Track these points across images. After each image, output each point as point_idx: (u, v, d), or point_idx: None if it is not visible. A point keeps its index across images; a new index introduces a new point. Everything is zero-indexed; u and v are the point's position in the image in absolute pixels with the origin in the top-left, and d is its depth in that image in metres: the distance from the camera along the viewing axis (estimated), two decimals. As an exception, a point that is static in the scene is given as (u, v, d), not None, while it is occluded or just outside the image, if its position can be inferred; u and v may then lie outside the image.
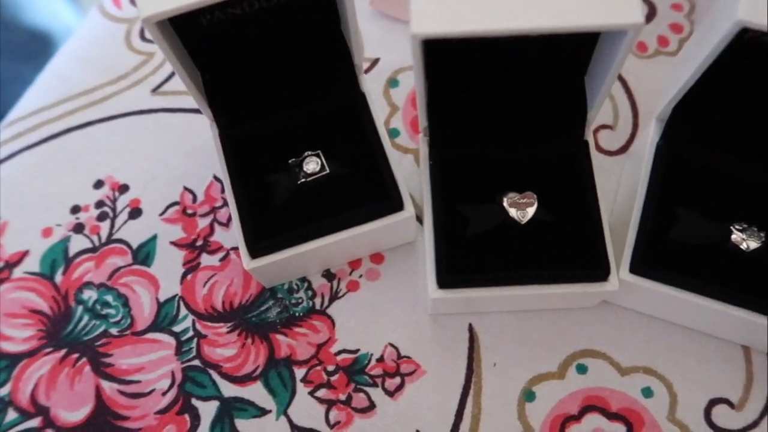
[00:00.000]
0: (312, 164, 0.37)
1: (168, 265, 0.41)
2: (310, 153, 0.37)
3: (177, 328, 0.39)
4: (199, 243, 0.41)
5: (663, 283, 0.33)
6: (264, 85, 0.38)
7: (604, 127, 0.43)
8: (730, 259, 0.34)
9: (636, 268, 0.33)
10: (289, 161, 0.37)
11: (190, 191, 0.43)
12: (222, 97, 0.37)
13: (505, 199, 0.35)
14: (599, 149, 0.42)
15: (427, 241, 0.35)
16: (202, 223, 0.42)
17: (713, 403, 0.36)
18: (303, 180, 0.37)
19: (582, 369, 0.37)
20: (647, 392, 0.36)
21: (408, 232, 0.39)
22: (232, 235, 0.41)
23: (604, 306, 0.38)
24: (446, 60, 0.34)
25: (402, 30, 0.47)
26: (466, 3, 0.28)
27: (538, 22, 0.27)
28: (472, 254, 0.35)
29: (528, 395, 0.36)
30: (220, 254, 0.41)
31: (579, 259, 0.34)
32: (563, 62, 0.35)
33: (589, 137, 0.37)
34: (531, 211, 0.35)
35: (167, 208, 0.42)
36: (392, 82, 0.45)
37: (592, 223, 0.34)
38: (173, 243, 0.41)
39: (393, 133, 0.44)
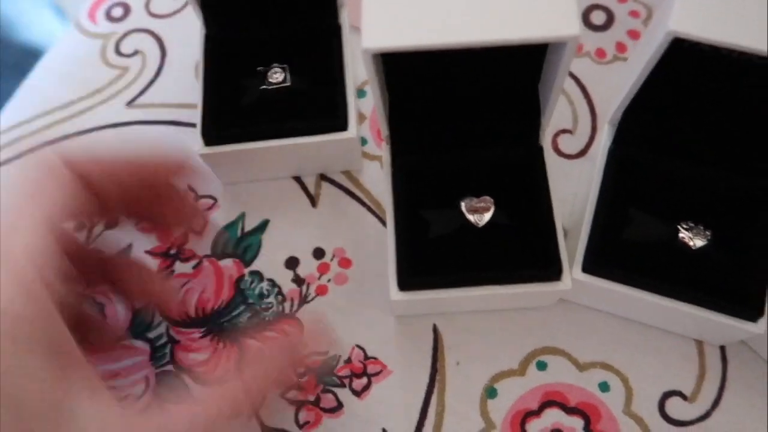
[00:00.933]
0: (277, 75, 0.41)
1: (143, 273, 0.42)
2: (277, 65, 0.41)
3: (151, 335, 0.40)
4: (173, 251, 0.43)
5: (614, 281, 0.35)
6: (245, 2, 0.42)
7: (564, 131, 0.45)
8: (679, 257, 0.35)
9: (588, 267, 0.35)
10: (257, 69, 0.42)
11: (164, 201, 0.44)
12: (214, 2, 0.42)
13: (462, 204, 0.37)
14: (559, 153, 0.44)
15: (389, 245, 0.36)
16: (177, 231, 0.43)
17: (667, 395, 0.37)
18: (265, 87, 0.41)
19: (542, 366, 0.38)
20: (604, 387, 0.37)
21: (352, 157, 0.43)
22: (206, 244, 0.43)
23: (563, 304, 0.39)
24: (404, 71, 0.36)
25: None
26: (416, 17, 0.29)
27: (482, 35, 0.29)
28: (431, 257, 0.36)
29: (490, 392, 0.38)
30: (194, 262, 0.42)
31: (533, 259, 0.35)
32: (516, 71, 0.36)
33: (546, 142, 0.38)
34: (488, 215, 0.37)
35: (142, 218, 0.44)
36: (360, 93, 0.47)
37: (546, 225, 0.36)
38: (148, 252, 0.43)
39: (362, 142, 0.45)
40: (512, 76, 0.36)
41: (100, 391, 0.25)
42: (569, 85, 0.46)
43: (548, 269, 0.34)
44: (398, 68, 0.35)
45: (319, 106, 0.41)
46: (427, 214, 0.38)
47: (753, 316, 0.33)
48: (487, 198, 0.37)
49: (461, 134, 0.38)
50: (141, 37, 0.50)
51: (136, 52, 0.50)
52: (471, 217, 0.36)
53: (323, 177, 0.44)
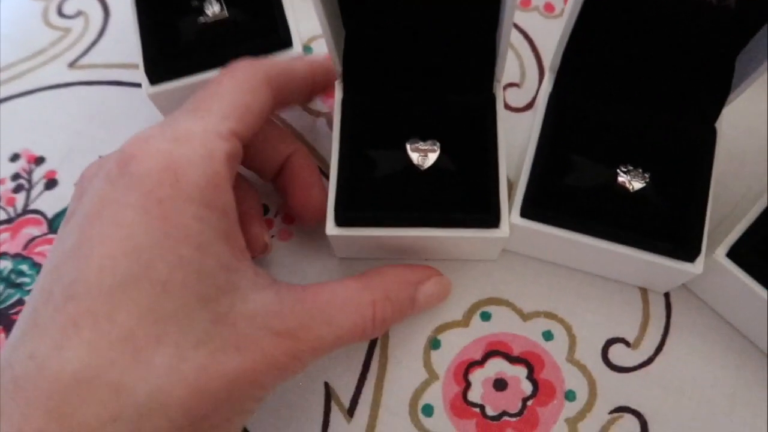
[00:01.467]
0: (214, 7, 0.41)
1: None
2: None
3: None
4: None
5: (552, 225, 0.34)
6: None
7: (511, 84, 0.44)
8: (617, 200, 0.35)
9: (526, 212, 0.34)
10: (192, 4, 0.41)
11: (105, 161, 0.43)
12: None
13: (408, 145, 0.36)
14: (507, 107, 0.43)
15: (331, 181, 0.35)
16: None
17: (610, 342, 0.37)
18: (204, 21, 0.41)
19: (486, 316, 0.38)
20: (548, 335, 0.37)
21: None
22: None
23: (507, 255, 0.39)
24: (361, 6, 0.35)
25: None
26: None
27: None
28: (371, 196, 0.36)
29: (434, 343, 0.37)
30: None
31: (472, 204, 0.35)
32: (473, 18, 0.36)
33: (499, 92, 0.38)
34: (432, 157, 0.36)
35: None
36: (306, 49, 0.46)
37: (489, 172, 0.35)
38: (88, 212, 0.42)
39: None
40: (469, 23, 0.36)
41: (263, 276, 0.27)
42: (517, 39, 0.46)
43: (486, 214, 0.34)
44: (356, 3, 0.35)
45: (262, 33, 0.40)
46: (374, 153, 0.37)
47: (690, 256, 0.33)
48: (434, 141, 0.36)
49: (415, 77, 0.37)
50: (84, -1, 0.49)
51: (79, 13, 0.49)
52: (415, 159, 0.36)
53: (268, 134, 0.44)
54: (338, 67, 0.37)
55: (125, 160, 0.25)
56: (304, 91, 0.35)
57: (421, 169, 0.36)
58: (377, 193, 0.36)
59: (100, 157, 0.43)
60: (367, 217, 0.34)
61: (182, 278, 0.24)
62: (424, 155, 0.36)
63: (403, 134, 0.37)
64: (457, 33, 0.37)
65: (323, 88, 0.37)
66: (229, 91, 0.28)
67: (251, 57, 0.37)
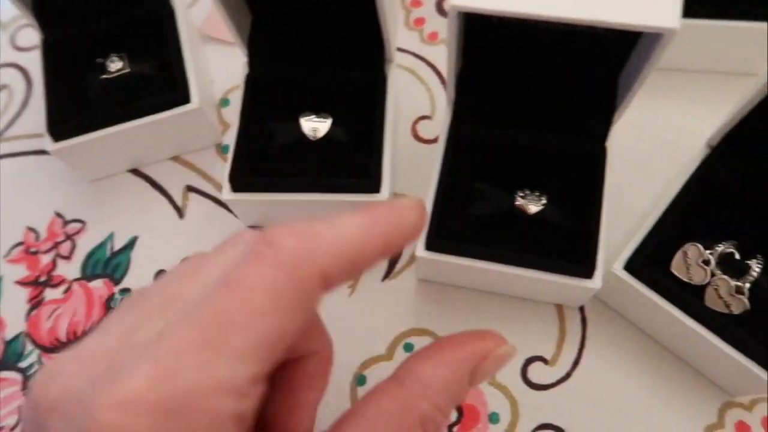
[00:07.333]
0: (117, 63, 0.42)
1: (13, 304, 0.42)
2: (114, 54, 0.43)
3: (23, 364, 0.40)
4: (43, 279, 0.42)
5: (457, 256, 0.35)
6: None
7: (423, 117, 0.46)
8: (517, 225, 0.36)
9: (431, 245, 0.35)
10: (96, 60, 0.43)
11: (32, 230, 0.44)
12: (47, 4, 0.43)
13: (301, 119, 0.39)
14: (419, 139, 0.45)
15: (230, 152, 0.39)
16: (46, 259, 0.43)
17: (529, 362, 0.38)
18: (106, 78, 0.42)
19: (408, 347, 0.39)
20: (469, 361, 0.38)
21: (204, 132, 0.44)
22: (74, 267, 0.43)
23: (425, 285, 0.40)
24: None
25: (230, 52, 0.49)
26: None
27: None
28: (266, 164, 0.39)
29: (359, 380, 0.38)
30: (64, 287, 0.42)
31: (356, 172, 0.38)
32: (358, 2, 0.38)
33: (391, 72, 0.41)
34: (324, 129, 0.39)
35: (11, 249, 0.44)
36: (224, 102, 0.47)
37: (374, 144, 0.38)
38: (18, 282, 0.42)
39: (224, 150, 0.46)
40: (356, 5, 0.38)
41: None
42: (426, 72, 0.47)
43: (368, 179, 0.37)
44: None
45: (161, 85, 0.42)
46: (272, 125, 0.40)
47: (588, 272, 0.34)
48: (325, 114, 0.40)
49: (314, 55, 0.41)
50: (7, 72, 0.50)
51: (2, 87, 0.50)
52: (307, 130, 0.39)
53: (189, 188, 0.45)
54: (244, 48, 0.41)
55: None
56: (372, 264, 0.20)
57: (313, 140, 0.39)
58: (272, 161, 0.39)
59: (27, 227, 0.44)
60: (257, 181, 0.38)
61: None
62: (315, 127, 0.39)
63: (299, 108, 0.40)
64: (349, 15, 0.40)
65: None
66: (261, 308, 0.17)
67: (148, 113, 0.41)
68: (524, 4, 0.27)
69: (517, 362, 0.38)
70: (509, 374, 0.37)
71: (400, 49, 0.48)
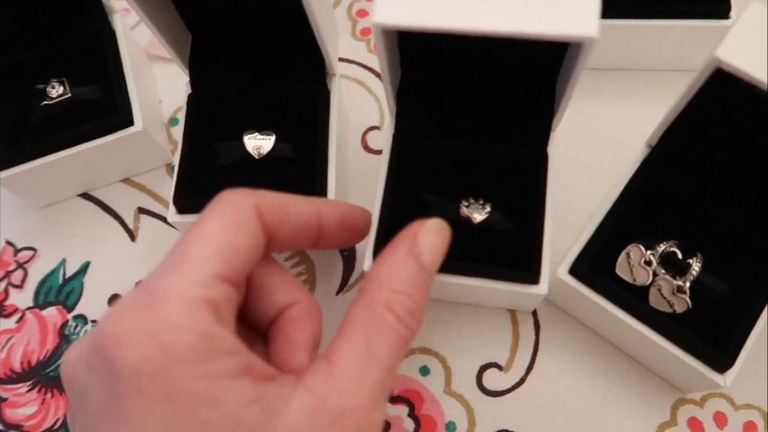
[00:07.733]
0: (58, 89, 0.42)
1: (-34, 336, 0.41)
2: (54, 80, 0.42)
3: (-23, 397, 0.40)
4: (-5, 309, 0.42)
5: (404, 268, 0.35)
6: (15, 21, 0.43)
7: (372, 128, 0.46)
8: (464, 234, 0.36)
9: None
10: (37, 86, 0.42)
11: (-17, 260, 0.44)
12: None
13: (245, 137, 0.39)
14: (369, 150, 0.45)
15: (175, 173, 0.39)
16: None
17: (483, 369, 0.38)
18: (47, 103, 0.42)
19: (364, 361, 0.39)
20: (424, 370, 0.38)
21: (152, 154, 0.44)
22: (27, 295, 0.42)
23: (380, 297, 0.40)
24: (206, 15, 0.40)
25: (178, 71, 0.48)
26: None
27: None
28: (209, 184, 0.38)
29: (316, 395, 0.38)
30: (17, 316, 0.42)
31: (302, 188, 0.37)
32: (300, 19, 0.37)
33: (334, 85, 0.40)
34: (268, 146, 0.39)
35: (-38, 281, 0.43)
36: (173, 122, 0.47)
37: (320, 159, 0.38)
38: (-30, 314, 0.42)
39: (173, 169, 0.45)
40: (296, 19, 0.37)
41: (291, 383, 0.24)
42: (375, 83, 0.47)
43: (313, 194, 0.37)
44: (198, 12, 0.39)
45: (103, 109, 0.42)
46: (216, 145, 0.40)
47: (533, 279, 0.34)
48: (269, 132, 0.40)
49: (254, 72, 0.41)
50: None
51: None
52: (251, 148, 0.39)
53: (141, 210, 0.44)
54: (184, 69, 0.41)
55: (101, 346, 0.22)
56: (309, 234, 0.29)
57: (258, 157, 0.39)
58: (217, 181, 0.39)
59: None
60: (202, 203, 0.36)
61: None
62: (259, 145, 0.39)
63: (244, 126, 0.40)
64: (287, 31, 0.40)
65: (336, 239, 0.30)
66: (212, 231, 0.25)
67: (90, 138, 0.40)
68: (443, 19, 0.27)
69: (472, 370, 0.38)
70: (465, 382, 0.38)
71: (347, 60, 0.48)
